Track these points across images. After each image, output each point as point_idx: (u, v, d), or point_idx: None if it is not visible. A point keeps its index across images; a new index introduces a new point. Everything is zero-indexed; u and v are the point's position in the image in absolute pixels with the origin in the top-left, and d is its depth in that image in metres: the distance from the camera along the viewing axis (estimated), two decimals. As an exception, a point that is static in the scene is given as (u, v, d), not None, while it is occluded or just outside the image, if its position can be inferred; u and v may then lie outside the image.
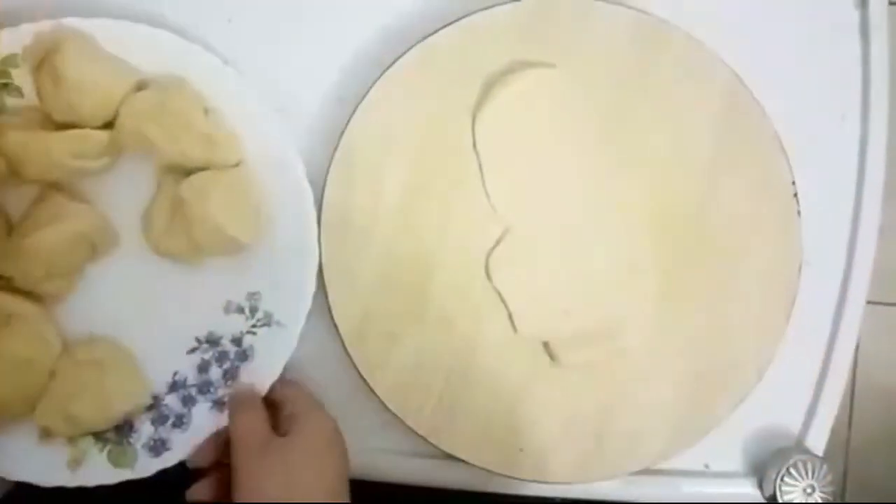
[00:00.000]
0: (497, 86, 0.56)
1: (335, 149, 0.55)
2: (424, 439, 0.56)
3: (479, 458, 0.56)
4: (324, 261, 0.55)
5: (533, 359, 0.57)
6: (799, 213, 0.57)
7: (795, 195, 0.56)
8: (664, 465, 0.58)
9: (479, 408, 0.57)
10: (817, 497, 0.58)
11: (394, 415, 0.56)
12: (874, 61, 0.60)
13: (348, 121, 0.55)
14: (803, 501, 0.57)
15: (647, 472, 0.58)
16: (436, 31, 0.55)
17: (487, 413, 0.57)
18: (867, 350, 1.29)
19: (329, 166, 0.55)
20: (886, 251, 1.16)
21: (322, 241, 0.55)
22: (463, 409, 0.56)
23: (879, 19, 0.60)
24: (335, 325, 0.55)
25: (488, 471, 0.57)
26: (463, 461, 0.56)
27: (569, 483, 0.57)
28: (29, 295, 0.54)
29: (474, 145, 0.56)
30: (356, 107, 0.55)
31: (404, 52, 0.55)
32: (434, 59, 0.55)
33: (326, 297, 0.55)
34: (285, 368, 0.55)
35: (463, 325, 0.56)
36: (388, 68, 0.55)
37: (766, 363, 0.57)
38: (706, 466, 0.60)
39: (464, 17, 0.55)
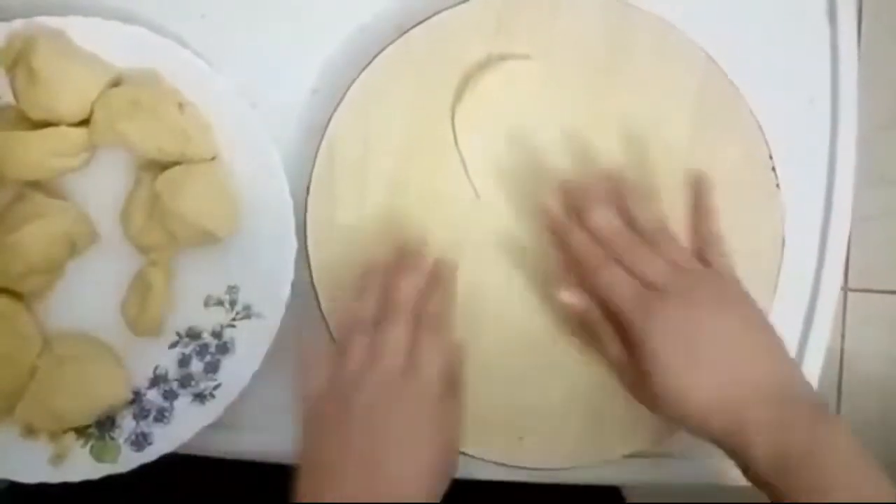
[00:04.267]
0: (474, 79, 0.56)
1: (316, 150, 0.55)
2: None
3: (478, 449, 0.57)
4: (311, 259, 0.55)
5: (529, 347, 0.57)
6: (778, 185, 0.57)
7: (773, 169, 0.57)
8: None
9: (476, 399, 0.57)
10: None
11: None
12: (842, 45, 0.61)
13: (328, 121, 0.55)
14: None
15: (636, 453, 0.58)
16: (413, 27, 0.55)
17: (485, 403, 0.57)
18: (854, 338, 1.29)
19: (312, 169, 0.55)
20: (872, 239, 1.17)
21: (308, 239, 0.55)
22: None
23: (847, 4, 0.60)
24: (325, 321, 0.55)
25: (487, 461, 0.57)
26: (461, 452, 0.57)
27: (566, 468, 0.58)
28: (9, 292, 0.54)
29: (455, 139, 0.56)
30: (336, 106, 0.55)
31: (382, 49, 0.55)
32: (411, 55, 0.56)
33: (316, 295, 0.55)
34: (271, 362, 0.55)
35: (459, 315, 0.56)
36: (366, 67, 0.55)
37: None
38: (688, 447, 0.61)
39: (437, 12, 0.55)
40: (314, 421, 0.47)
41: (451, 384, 0.49)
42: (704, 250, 0.53)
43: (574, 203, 0.54)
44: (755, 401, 0.46)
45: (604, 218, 0.52)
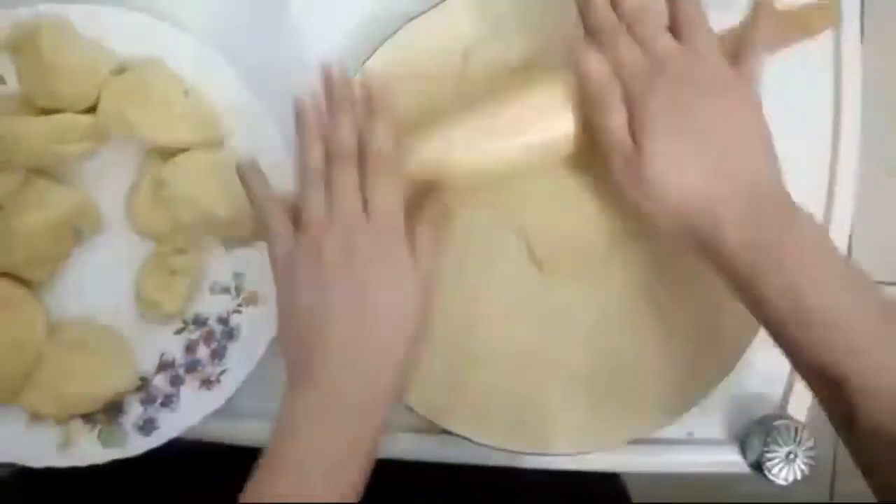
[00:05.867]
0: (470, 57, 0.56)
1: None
2: (424, 418, 0.57)
3: (481, 434, 0.57)
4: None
5: (532, 332, 0.57)
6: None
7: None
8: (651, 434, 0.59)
9: (479, 385, 0.57)
10: (800, 462, 0.58)
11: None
12: (845, 39, 0.61)
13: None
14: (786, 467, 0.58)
15: (637, 440, 0.58)
16: (417, 15, 0.56)
17: (488, 389, 0.57)
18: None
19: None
20: (874, 232, 1.17)
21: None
22: (463, 386, 0.57)
23: None
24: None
25: (490, 446, 0.57)
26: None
27: (567, 454, 0.58)
28: (15, 279, 0.55)
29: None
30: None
31: (388, 37, 0.55)
32: (414, 45, 0.56)
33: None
34: (277, 347, 0.55)
35: (461, 302, 0.57)
36: (370, 56, 0.55)
37: (757, 329, 0.58)
38: (690, 434, 0.61)
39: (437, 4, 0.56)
40: (288, 276, 0.47)
41: (420, 214, 0.48)
42: (737, 60, 0.50)
43: None
44: (732, 194, 0.46)
45: None
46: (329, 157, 0.48)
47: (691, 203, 0.47)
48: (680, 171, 0.47)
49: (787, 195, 0.47)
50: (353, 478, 0.44)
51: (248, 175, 0.49)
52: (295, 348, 0.46)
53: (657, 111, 0.47)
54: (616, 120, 0.48)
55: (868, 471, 0.44)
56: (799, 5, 0.53)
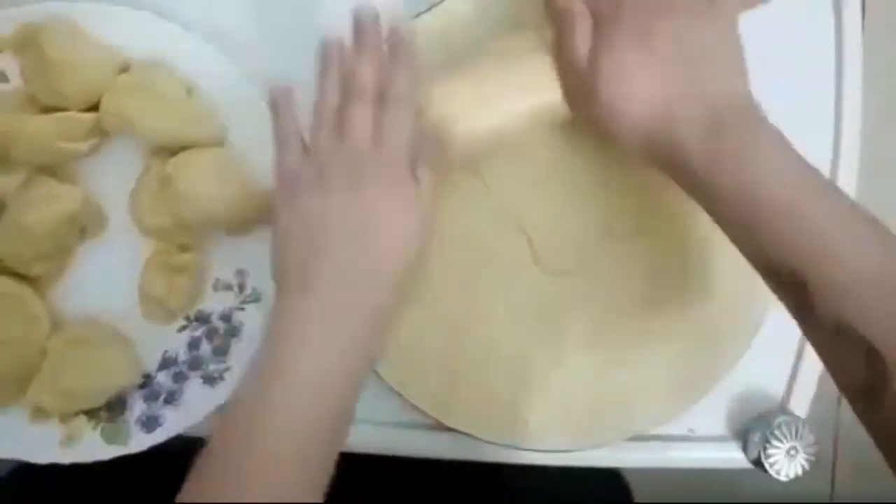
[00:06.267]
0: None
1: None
2: (427, 415, 0.57)
3: (483, 431, 0.57)
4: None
5: (533, 329, 0.57)
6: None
7: None
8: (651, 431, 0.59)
9: (482, 381, 0.57)
10: (801, 458, 0.59)
11: (393, 389, 0.57)
12: (846, 36, 0.61)
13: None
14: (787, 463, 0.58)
15: (632, 437, 0.59)
16: (422, 12, 0.56)
17: (491, 386, 0.57)
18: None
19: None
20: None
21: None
22: (464, 382, 0.57)
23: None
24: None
25: (492, 443, 0.57)
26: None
27: (569, 451, 0.58)
28: (19, 276, 0.55)
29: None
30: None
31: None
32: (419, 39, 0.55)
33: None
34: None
35: (462, 298, 0.57)
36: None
37: (757, 326, 0.58)
38: (691, 431, 0.61)
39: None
40: (290, 189, 0.47)
41: (424, 160, 0.49)
42: None
43: None
44: (692, 106, 0.46)
45: None
46: (346, 94, 0.48)
47: (648, 122, 0.46)
48: (633, 83, 0.47)
49: (753, 107, 0.47)
50: (345, 389, 0.44)
51: (279, 103, 0.49)
52: (289, 259, 0.46)
53: (618, 29, 0.47)
54: (579, 46, 0.48)
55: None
56: None
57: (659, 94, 0.46)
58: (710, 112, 0.46)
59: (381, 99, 0.48)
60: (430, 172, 0.48)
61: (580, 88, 0.49)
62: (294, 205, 0.47)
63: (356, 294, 0.45)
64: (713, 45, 0.47)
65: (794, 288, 0.44)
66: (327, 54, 0.50)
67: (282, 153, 0.49)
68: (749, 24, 0.58)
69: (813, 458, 0.59)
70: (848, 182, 0.61)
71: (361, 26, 0.50)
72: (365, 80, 0.48)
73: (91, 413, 0.56)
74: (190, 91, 0.55)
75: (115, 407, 0.56)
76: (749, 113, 0.46)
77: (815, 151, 0.59)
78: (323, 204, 0.46)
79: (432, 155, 0.49)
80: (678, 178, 0.47)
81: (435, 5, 0.56)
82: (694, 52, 0.47)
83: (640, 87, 0.47)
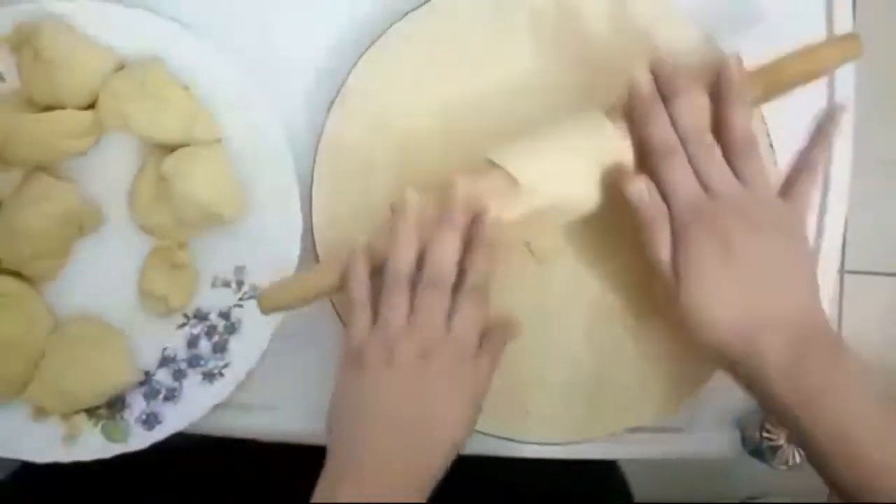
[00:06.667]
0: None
1: (321, 131, 0.55)
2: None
3: (483, 424, 0.57)
4: (317, 239, 0.56)
5: (532, 322, 0.57)
6: (776, 163, 0.57)
7: (771, 145, 0.57)
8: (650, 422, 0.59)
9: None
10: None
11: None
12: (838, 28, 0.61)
13: (333, 101, 0.55)
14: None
15: (629, 429, 0.59)
16: (418, 6, 0.56)
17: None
18: (851, 320, 1.30)
19: (317, 150, 0.56)
20: (869, 221, 1.18)
21: (314, 219, 0.56)
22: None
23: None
24: (330, 299, 0.56)
25: (493, 436, 0.57)
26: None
27: (568, 443, 0.58)
28: (18, 274, 0.55)
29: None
30: (341, 86, 0.55)
31: (386, 29, 0.55)
32: (416, 35, 0.56)
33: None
34: (277, 340, 0.56)
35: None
36: (369, 46, 0.55)
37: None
38: (690, 421, 0.61)
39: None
40: (355, 367, 0.48)
41: (487, 346, 0.50)
42: (792, 184, 0.51)
43: (662, 86, 0.50)
44: (775, 333, 0.46)
45: (690, 105, 0.49)
46: (424, 274, 0.48)
47: (729, 339, 0.47)
48: (716, 306, 0.47)
49: (830, 330, 0.48)
50: None
51: (354, 258, 0.50)
52: (343, 438, 0.47)
53: (699, 245, 0.47)
54: (662, 253, 0.49)
55: None
56: (822, 41, 0.54)
57: (738, 308, 0.47)
58: (791, 335, 0.47)
59: (459, 285, 0.49)
60: (492, 358, 0.50)
61: (666, 289, 0.50)
62: (356, 386, 0.48)
63: (401, 483, 0.46)
64: (789, 259, 0.49)
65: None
66: (403, 214, 0.49)
67: (351, 329, 0.49)
68: (743, 23, 0.60)
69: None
70: (841, 179, 0.62)
71: (450, 204, 0.49)
72: (445, 264, 0.48)
73: (91, 411, 0.56)
74: (186, 88, 0.55)
75: (115, 405, 0.56)
76: (830, 338, 0.47)
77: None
78: (387, 392, 0.47)
79: (498, 342, 0.50)
80: (761, 402, 0.49)
81: None
82: (772, 266, 0.48)
83: (719, 301, 0.47)
